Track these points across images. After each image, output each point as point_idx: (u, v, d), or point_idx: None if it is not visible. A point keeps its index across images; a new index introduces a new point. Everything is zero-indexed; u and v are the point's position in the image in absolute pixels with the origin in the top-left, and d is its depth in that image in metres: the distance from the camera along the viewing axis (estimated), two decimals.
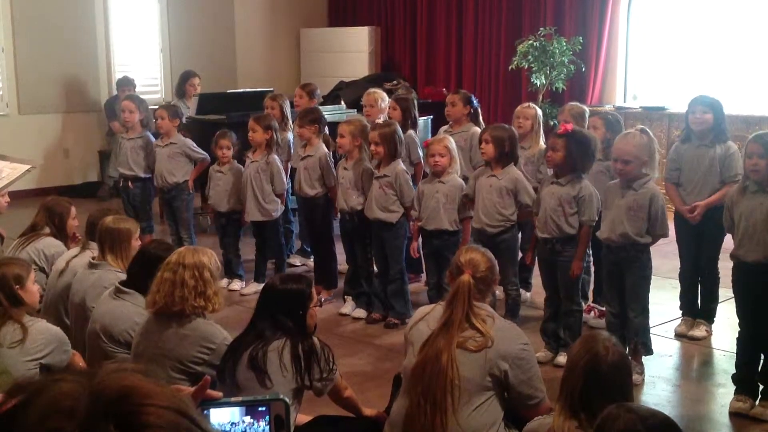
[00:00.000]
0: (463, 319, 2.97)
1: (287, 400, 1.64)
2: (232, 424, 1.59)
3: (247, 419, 1.59)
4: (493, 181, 4.83)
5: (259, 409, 1.61)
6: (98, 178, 10.04)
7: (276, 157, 5.95)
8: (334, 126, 6.11)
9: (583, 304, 4.82)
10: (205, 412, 1.53)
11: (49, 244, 4.63)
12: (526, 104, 5.73)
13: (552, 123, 7.91)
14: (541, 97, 8.84)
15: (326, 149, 5.81)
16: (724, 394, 4.19)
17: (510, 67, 9.15)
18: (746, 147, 3.95)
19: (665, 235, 4.39)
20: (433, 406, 2.90)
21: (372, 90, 6.36)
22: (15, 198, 8.62)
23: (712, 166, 4.77)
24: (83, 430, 0.85)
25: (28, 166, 4.88)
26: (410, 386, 3.01)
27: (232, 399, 1.68)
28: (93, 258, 4.09)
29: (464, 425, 2.90)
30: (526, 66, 8.87)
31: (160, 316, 3.26)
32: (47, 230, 4.71)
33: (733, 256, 4.05)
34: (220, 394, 1.57)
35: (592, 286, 5.28)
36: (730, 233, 4.18)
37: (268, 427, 1.60)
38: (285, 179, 6.03)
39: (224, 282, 5.96)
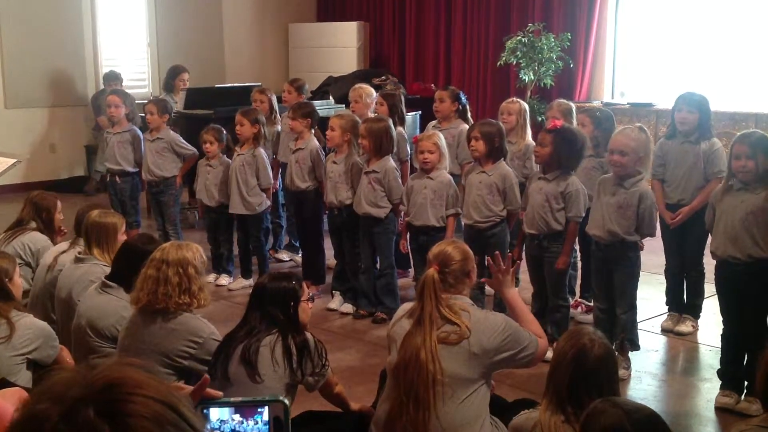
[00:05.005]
0: (435, 313, 2.96)
1: (287, 402, 1.63)
2: (221, 421, 1.59)
3: (237, 417, 1.59)
4: (483, 177, 4.83)
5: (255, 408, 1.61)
6: (85, 172, 10.00)
7: (263, 151, 5.93)
8: (322, 121, 6.10)
9: (570, 299, 4.84)
10: (205, 411, 1.53)
11: (35, 238, 4.60)
12: (511, 99, 5.69)
13: (540, 119, 7.92)
14: (529, 93, 8.85)
15: (317, 143, 5.80)
16: (709, 389, 4.21)
17: (498, 63, 9.17)
18: (732, 148, 3.91)
19: (652, 234, 4.41)
20: (416, 403, 2.89)
21: (358, 85, 6.31)
22: (0, 193, 8.60)
23: (696, 162, 4.79)
24: (65, 414, 0.89)
25: (13, 161, 4.85)
26: (392, 385, 3.00)
27: (232, 399, 1.67)
28: (79, 252, 4.06)
29: (449, 420, 2.89)
30: (515, 62, 8.88)
31: (146, 311, 3.25)
32: (33, 225, 4.68)
33: (711, 253, 4.06)
34: (220, 393, 1.57)
35: (579, 282, 5.30)
36: (711, 231, 4.17)
37: (257, 425, 1.59)
38: (271, 173, 6.00)
39: (212, 277, 5.95)
